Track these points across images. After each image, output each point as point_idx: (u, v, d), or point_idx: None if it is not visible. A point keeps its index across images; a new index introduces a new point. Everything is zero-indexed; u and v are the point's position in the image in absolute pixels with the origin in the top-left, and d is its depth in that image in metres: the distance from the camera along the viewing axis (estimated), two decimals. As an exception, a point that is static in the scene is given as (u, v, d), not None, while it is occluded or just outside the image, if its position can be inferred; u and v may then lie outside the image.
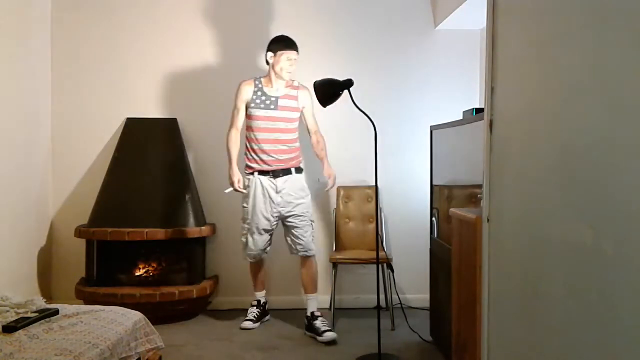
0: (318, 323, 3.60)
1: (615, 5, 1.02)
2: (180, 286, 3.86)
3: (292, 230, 3.71)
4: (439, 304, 3.27)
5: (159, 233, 3.82)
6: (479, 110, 2.76)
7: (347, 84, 3.22)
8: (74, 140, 4.20)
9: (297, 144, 3.77)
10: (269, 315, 3.96)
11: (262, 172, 3.67)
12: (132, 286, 3.89)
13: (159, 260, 4.11)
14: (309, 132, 3.82)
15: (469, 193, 2.83)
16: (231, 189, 3.69)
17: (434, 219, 3.47)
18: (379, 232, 3.53)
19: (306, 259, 3.76)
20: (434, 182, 3.51)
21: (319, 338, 3.51)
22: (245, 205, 3.72)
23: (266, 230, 3.71)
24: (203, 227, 4.01)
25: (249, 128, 3.71)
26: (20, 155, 3.79)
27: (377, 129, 3.20)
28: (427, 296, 3.57)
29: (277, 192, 3.67)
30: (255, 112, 3.65)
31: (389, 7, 4.26)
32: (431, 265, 3.48)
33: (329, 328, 3.57)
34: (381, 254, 3.53)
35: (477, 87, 4.09)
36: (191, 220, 3.95)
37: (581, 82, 1.15)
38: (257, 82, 3.70)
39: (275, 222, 3.72)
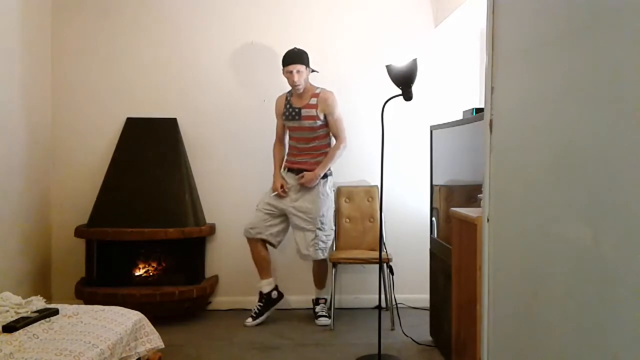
0: (318, 308, 3.93)
1: (616, 5, 1.02)
2: (180, 286, 3.85)
3: (295, 232, 3.86)
4: (439, 304, 3.27)
5: (159, 233, 3.82)
6: (479, 110, 2.77)
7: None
8: (74, 140, 4.20)
9: (327, 150, 3.87)
10: (281, 300, 3.92)
11: (290, 169, 3.88)
12: (132, 286, 3.89)
13: (159, 260, 4.11)
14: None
15: (469, 193, 2.83)
16: (275, 193, 3.83)
17: (434, 219, 3.47)
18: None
19: (314, 260, 3.93)
20: (434, 182, 3.51)
21: (315, 321, 3.84)
22: (267, 191, 3.91)
23: (271, 215, 3.82)
24: (203, 227, 4.01)
25: (288, 135, 3.97)
26: (20, 155, 3.79)
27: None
28: (427, 296, 3.57)
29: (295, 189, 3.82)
30: (287, 123, 3.87)
31: (389, 6, 4.26)
32: (431, 265, 3.48)
33: (326, 314, 3.86)
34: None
35: (477, 87, 4.09)
36: (191, 220, 3.95)
37: (581, 81, 1.15)
38: (287, 95, 3.88)
39: (281, 210, 3.83)
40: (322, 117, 3.78)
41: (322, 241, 3.82)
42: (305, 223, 3.79)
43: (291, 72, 3.71)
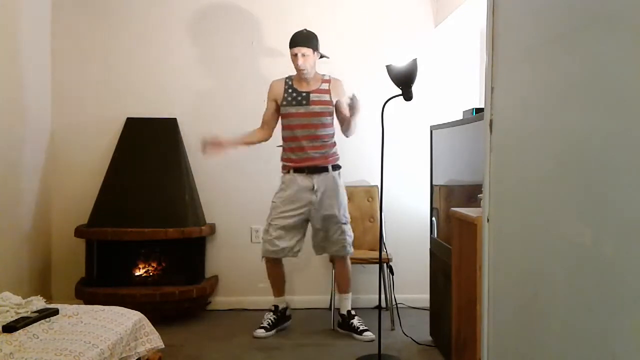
0: (355, 322, 3.60)
1: (615, 5, 1.02)
2: (180, 286, 3.85)
3: (322, 232, 3.61)
4: (439, 304, 3.27)
5: (159, 233, 3.82)
6: (479, 110, 2.77)
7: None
8: (74, 140, 4.20)
9: (334, 140, 3.65)
10: (289, 322, 3.77)
11: (298, 170, 3.56)
12: (132, 286, 3.89)
13: (159, 260, 4.11)
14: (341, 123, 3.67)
15: (469, 193, 2.83)
16: (204, 142, 3.57)
17: (434, 219, 3.47)
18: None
19: (339, 258, 3.68)
20: (434, 182, 3.51)
21: (358, 337, 3.53)
22: (274, 201, 3.61)
23: (291, 229, 3.56)
24: (203, 227, 4.01)
25: (284, 127, 3.61)
26: (20, 155, 3.79)
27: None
28: (427, 296, 3.57)
29: (312, 190, 3.54)
30: (288, 110, 3.56)
31: (389, 6, 4.26)
32: (431, 265, 3.48)
33: (367, 328, 3.56)
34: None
35: (477, 87, 4.09)
36: (191, 220, 3.94)
37: (581, 81, 1.15)
38: (287, 80, 3.63)
39: (300, 221, 3.58)
40: (333, 103, 3.59)
41: (349, 235, 3.61)
42: (332, 223, 3.57)
43: (295, 55, 3.47)
